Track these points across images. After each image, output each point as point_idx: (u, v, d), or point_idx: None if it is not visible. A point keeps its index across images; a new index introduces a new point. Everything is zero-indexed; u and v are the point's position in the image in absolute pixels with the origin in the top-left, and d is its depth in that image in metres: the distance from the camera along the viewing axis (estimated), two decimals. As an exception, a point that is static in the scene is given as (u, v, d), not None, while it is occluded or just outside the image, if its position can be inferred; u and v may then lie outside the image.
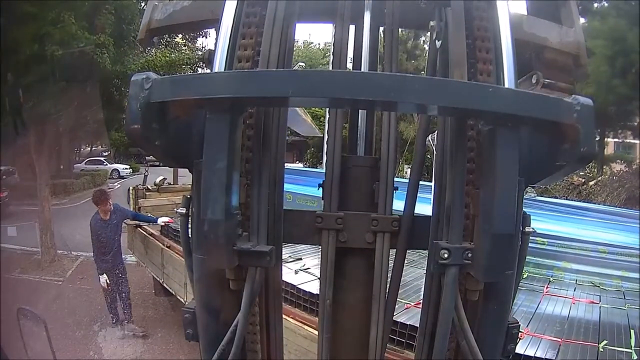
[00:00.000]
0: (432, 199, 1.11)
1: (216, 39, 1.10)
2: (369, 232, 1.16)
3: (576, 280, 4.48)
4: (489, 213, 0.90)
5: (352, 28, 1.29)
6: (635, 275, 4.29)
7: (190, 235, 1.11)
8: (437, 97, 0.83)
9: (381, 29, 1.30)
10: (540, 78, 1.30)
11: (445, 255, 0.95)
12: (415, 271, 4.00)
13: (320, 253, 1.19)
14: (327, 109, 1.36)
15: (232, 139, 0.92)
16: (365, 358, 1.16)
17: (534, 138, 0.98)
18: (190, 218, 1.12)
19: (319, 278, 1.20)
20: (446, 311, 0.97)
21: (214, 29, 1.17)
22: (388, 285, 1.18)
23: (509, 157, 0.88)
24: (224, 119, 0.89)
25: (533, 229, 1.07)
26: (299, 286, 3.55)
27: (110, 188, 16.95)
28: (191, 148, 1.00)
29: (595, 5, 12.16)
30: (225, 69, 1.08)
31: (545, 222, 4.82)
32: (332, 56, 1.42)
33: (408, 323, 2.83)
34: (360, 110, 1.29)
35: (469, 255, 0.95)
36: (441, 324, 0.98)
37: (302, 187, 6.45)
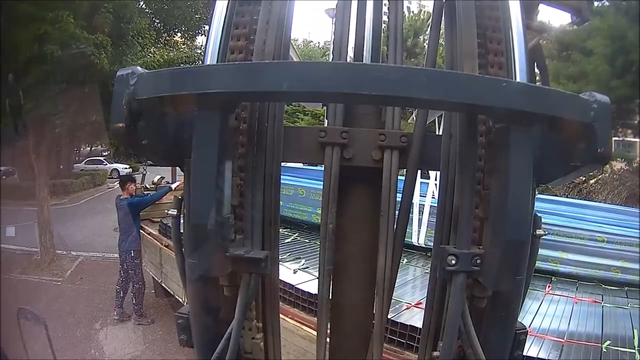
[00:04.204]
0: (437, 200, 1.05)
1: (207, 36, 1.04)
2: (376, 149, 1.07)
3: (578, 280, 4.45)
4: (501, 217, 0.84)
5: (352, 25, 1.21)
6: (635, 266, 4.22)
7: (182, 238, 1.04)
8: (448, 91, 0.76)
9: (384, 25, 1.23)
10: None
11: (453, 262, 0.88)
12: (415, 270, 3.99)
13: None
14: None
15: (224, 137, 0.85)
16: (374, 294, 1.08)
17: (546, 135, 0.91)
18: (182, 219, 1.06)
19: (317, 277, 1.12)
20: (452, 319, 0.89)
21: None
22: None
23: (523, 157, 0.82)
24: (214, 115, 0.83)
25: (544, 231, 1.02)
26: (297, 286, 3.53)
27: (110, 187, 16.97)
28: (182, 146, 0.92)
29: (596, 4, 12.11)
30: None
31: (546, 218, 4.76)
32: (331, 55, 1.35)
33: (408, 324, 2.82)
34: (367, 23, 1.20)
35: (478, 261, 0.88)
36: (447, 333, 0.90)
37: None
